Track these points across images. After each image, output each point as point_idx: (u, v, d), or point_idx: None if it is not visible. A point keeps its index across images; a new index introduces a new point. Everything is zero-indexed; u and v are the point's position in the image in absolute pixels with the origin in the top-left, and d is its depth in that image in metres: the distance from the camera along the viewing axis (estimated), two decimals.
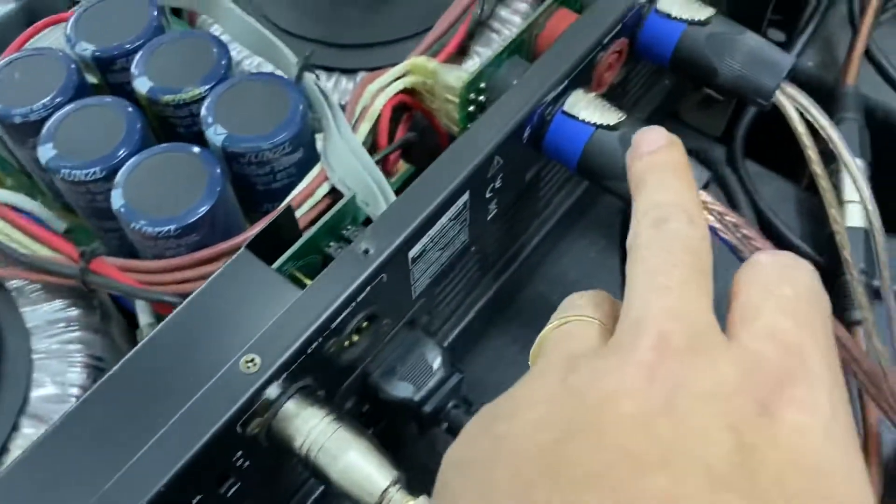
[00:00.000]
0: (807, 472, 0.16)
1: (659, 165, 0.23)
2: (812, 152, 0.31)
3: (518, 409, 0.19)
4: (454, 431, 0.31)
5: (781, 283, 0.20)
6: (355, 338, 0.27)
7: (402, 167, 0.34)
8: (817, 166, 0.31)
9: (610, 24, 0.31)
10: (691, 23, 0.32)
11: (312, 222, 0.29)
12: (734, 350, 0.18)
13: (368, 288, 0.25)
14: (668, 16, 0.32)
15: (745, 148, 0.44)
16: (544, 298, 0.42)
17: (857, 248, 0.38)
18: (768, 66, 0.31)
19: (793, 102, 0.31)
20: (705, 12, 0.32)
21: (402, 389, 0.30)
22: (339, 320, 0.25)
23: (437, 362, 0.31)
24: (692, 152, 0.42)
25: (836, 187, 0.40)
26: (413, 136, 0.33)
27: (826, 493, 0.16)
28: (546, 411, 0.18)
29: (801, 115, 0.31)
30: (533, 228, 0.40)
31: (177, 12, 0.39)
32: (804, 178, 0.46)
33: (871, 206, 0.31)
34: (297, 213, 0.29)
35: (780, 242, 0.42)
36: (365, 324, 0.27)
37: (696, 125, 0.46)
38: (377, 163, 0.30)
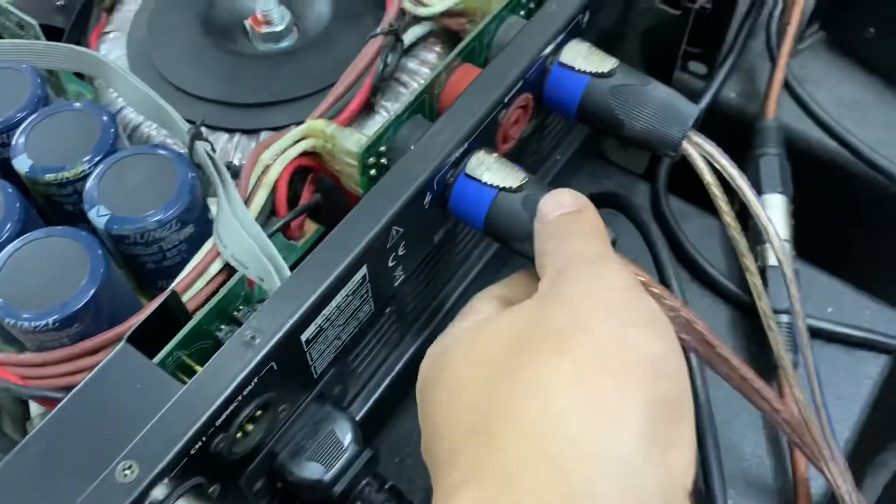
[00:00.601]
0: None
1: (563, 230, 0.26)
2: (722, 202, 0.31)
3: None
4: None
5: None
6: (249, 427, 0.26)
7: (311, 228, 0.33)
8: (728, 216, 0.31)
9: (511, 81, 0.30)
10: (595, 75, 0.31)
11: (208, 301, 0.27)
12: None
13: (256, 379, 0.24)
14: (572, 69, 0.31)
15: (669, 184, 0.44)
16: None
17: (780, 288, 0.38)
18: (674, 117, 0.31)
19: (700, 151, 0.31)
20: (608, 64, 0.31)
21: (310, 471, 0.29)
22: (224, 416, 0.24)
23: (347, 438, 0.30)
24: (612, 195, 0.41)
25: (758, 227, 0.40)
26: (317, 199, 0.32)
27: None
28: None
29: (710, 163, 0.31)
30: (454, 282, 0.39)
31: (80, 74, 0.37)
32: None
33: (780, 248, 0.30)
34: (190, 293, 0.28)
35: (704, 279, 0.41)
36: (259, 412, 0.26)
37: (619, 163, 0.46)
38: (274, 233, 0.29)
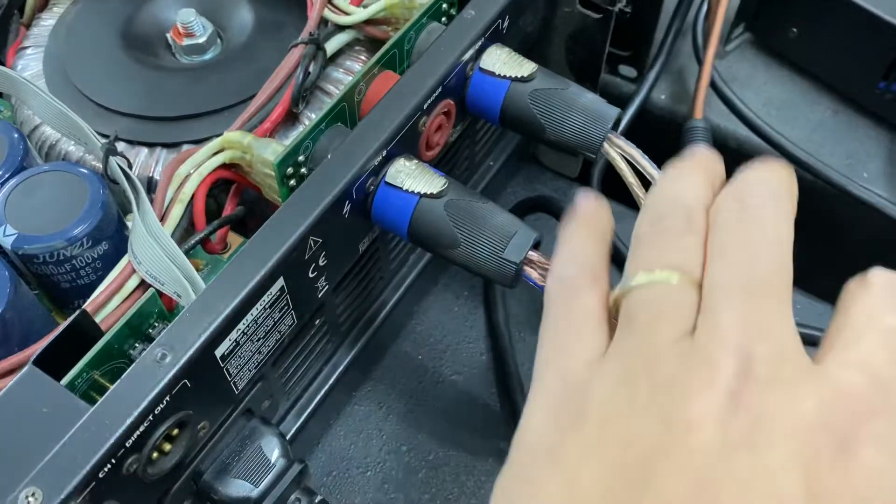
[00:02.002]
0: None
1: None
2: (639, 190, 0.31)
3: (608, 415, 0.19)
4: None
5: (886, 311, 0.19)
6: (167, 447, 0.25)
7: (237, 242, 0.32)
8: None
9: (430, 88, 0.30)
10: (515, 79, 0.31)
11: None
12: (820, 380, 0.18)
13: (168, 398, 0.23)
14: (493, 74, 0.31)
15: (603, 187, 0.44)
16: (410, 357, 0.40)
17: None
18: (593, 120, 0.31)
19: (620, 153, 0.31)
20: (528, 68, 0.31)
21: (237, 488, 0.28)
22: (134, 437, 0.23)
23: (275, 454, 0.29)
24: (543, 199, 0.41)
25: None
26: (239, 211, 0.32)
27: None
28: (633, 424, 0.18)
29: (631, 164, 0.31)
30: (390, 289, 0.39)
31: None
32: None
33: None
34: (104, 311, 0.27)
35: None
36: (176, 431, 0.25)
37: (553, 168, 0.46)
38: (192, 247, 0.29)
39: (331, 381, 0.36)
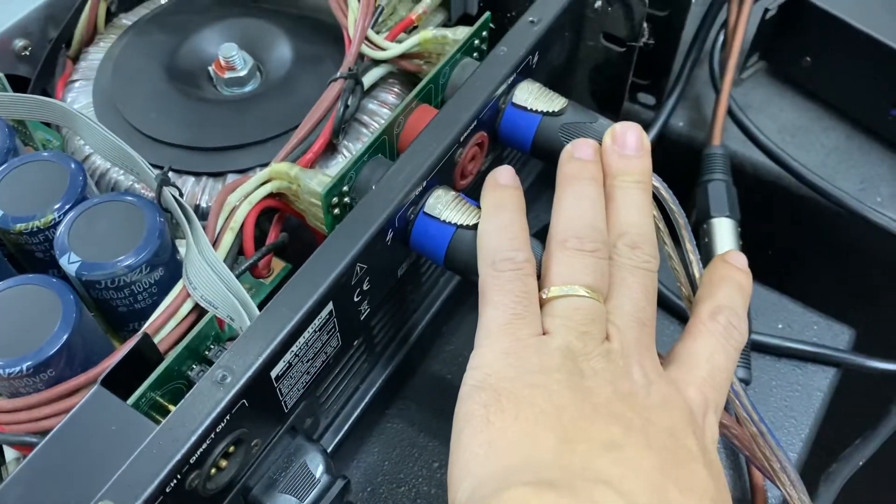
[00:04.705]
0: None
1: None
2: (659, 223, 0.32)
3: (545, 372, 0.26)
4: None
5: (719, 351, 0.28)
6: (223, 463, 0.27)
7: (279, 266, 0.34)
8: (668, 246, 0.32)
9: (465, 122, 0.31)
10: (546, 114, 0.33)
11: (179, 342, 0.28)
12: (664, 377, 0.27)
13: (228, 416, 0.25)
14: (525, 108, 0.33)
15: None
16: (439, 377, 0.42)
17: None
18: None
19: None
20: (559, 103, 0.33)
21: (284, 503, 0.30)
22: (197, 454, 0.24)
23: (319, 470, 0.31)
24: None
25: (709, 246, 0.42)
26: (283, 238, 0.33)
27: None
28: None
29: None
30: (421, 310, 0.40)
31: (49, 122, 0.38)
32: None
33: (698, 275, 0.32)
34: (161, 334, 0.29)
35: (660, 301, 0.43)
36: (232, 448, 0.26)
37: None
38: (242, 273, 0.30)
39: (366, 400, 0.38)
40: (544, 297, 0.28)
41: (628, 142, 0.30)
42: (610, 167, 0.30)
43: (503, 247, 0.28)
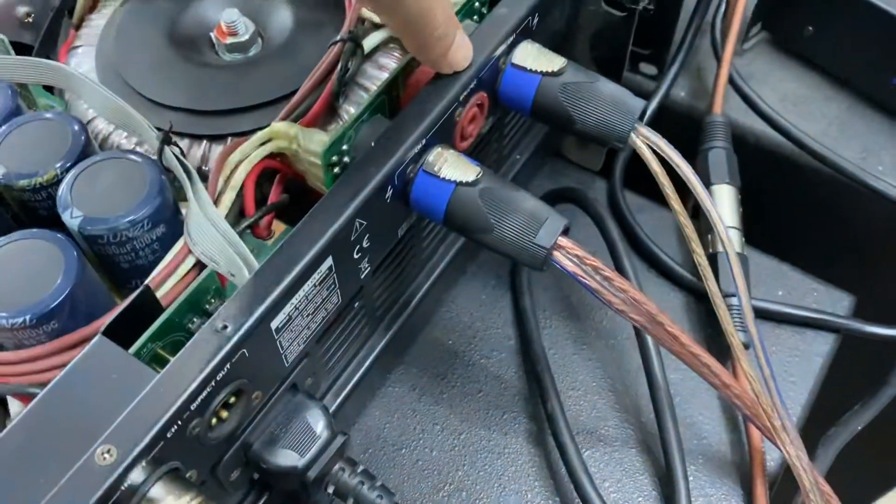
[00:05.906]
0: None
1: None
2: (669, 190, 0.33)
3: None
4: (341, 494, 0.31)
5: None
6: (224, 414, 0.27)
7: (280, 228, 0.34)
8: (675, 203, 0.33)
9: (465, 81, 0.32)
10: (546, 74, 0.33)
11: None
12: None
13: (228, 365, 0.25)
14: (524, 68, 0.33)
15: (625, 181, 0.46)
16: (440, 342, 0.42)
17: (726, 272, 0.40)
18: (622, 111, 0.32)
19: (647, 143, 0.32)
20: (558, 63, 0.33)
21: (285, 458, 0.30)
22: (198, 401, 0.25)
23: (320, 426, 0.31)
24: (569, 190, 0.43)
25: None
26: (284, 199, 0.33)
27: None
28: None
29: (657, 154, 0.33)
30: (422, 276, 0.40)
31: (50, 88, 0.38)
32: (689, 203, 0.48)
33: (723, 232, 0.32)
34: (163, 289, 0.29)
35: (661, 268, 0.43)
36: (233, 399, 0.27)
37: (577, 161, 0.47)
38: (243, 231, 0.30)
39: (367, 364, 0.38)
40: None
41: None
42: None
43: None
